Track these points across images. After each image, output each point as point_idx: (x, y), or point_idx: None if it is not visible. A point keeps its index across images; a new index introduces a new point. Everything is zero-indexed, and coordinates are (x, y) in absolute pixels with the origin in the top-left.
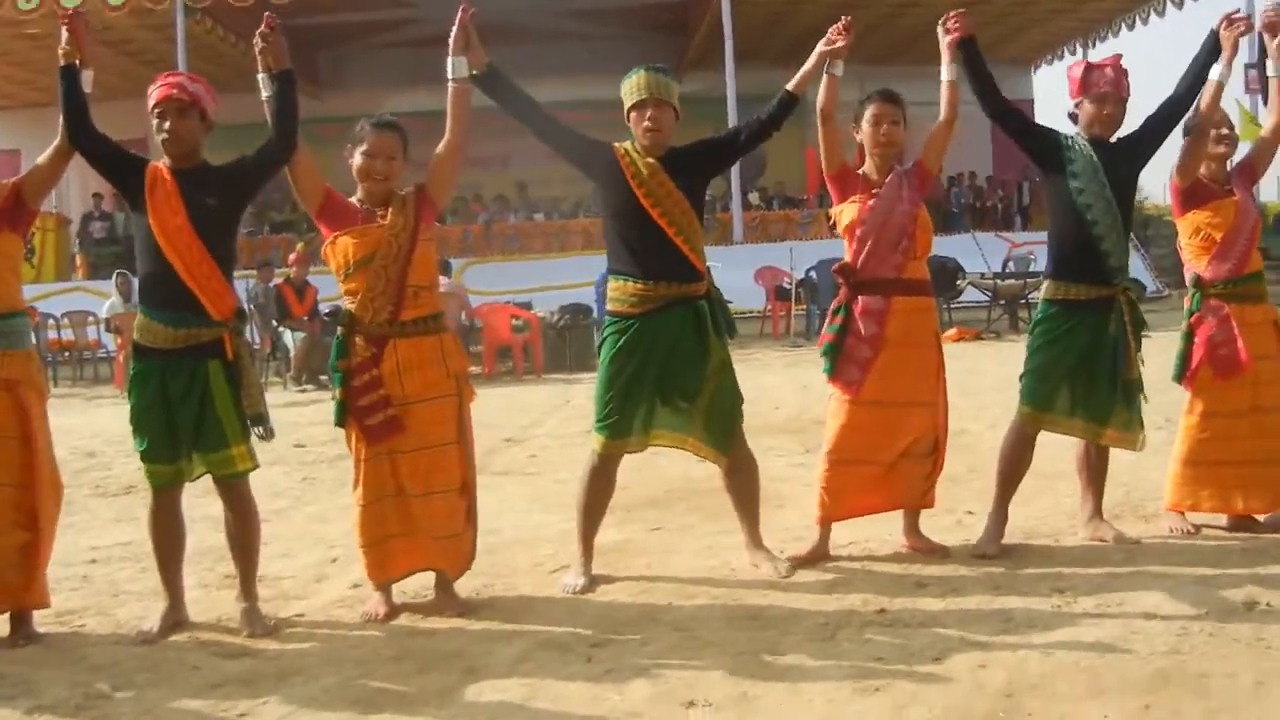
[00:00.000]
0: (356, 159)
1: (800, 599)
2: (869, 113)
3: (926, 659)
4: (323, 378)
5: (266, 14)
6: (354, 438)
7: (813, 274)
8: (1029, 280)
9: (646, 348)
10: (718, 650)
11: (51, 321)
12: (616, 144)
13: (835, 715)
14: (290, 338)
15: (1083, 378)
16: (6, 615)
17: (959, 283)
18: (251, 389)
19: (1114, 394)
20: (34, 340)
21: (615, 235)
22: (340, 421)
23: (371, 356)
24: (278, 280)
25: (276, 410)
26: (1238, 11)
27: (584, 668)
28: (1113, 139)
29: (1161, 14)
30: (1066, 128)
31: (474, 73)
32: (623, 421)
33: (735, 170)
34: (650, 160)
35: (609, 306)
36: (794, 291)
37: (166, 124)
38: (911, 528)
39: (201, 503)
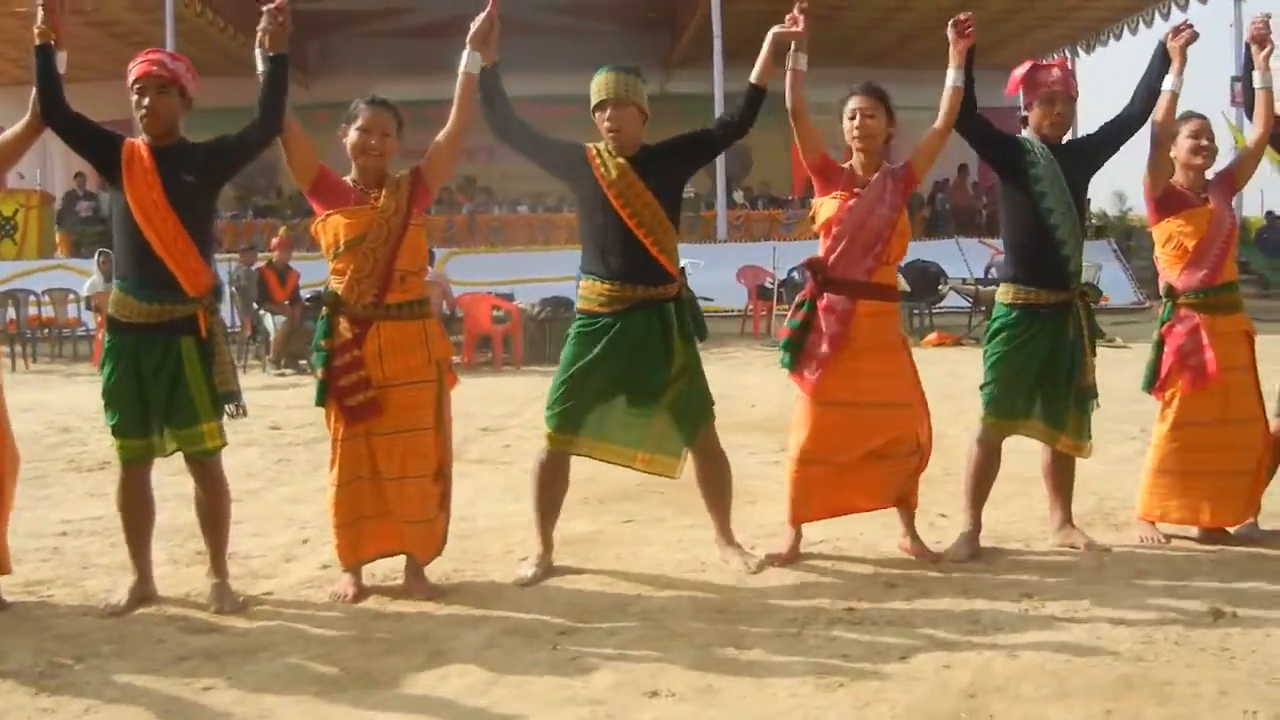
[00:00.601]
0: (351, 135)
1: (769, 595)
2: (847, 107)
3: (892, 658)
4: (301, 362)
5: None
6: (333, 418)
7: (795, 274)
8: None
9: (610, 347)
10: (684, 642)
11: (32, 298)
12: (589, 144)
13: (798, 710)
14: (271, 321)
15: (1044, 384)
16: None
17: (940, 287)
18: (224, 366)
19: (1068, 400)
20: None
21: (586, 234)
22: (321, 401)
23: (354, 337)
24: (260, 264)
25: (254, 393)
26: (1186, 24)
27: (549, 655)
28: (1063, 141)
29: (1150, 24)
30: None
31: (484, 66)
32: (573, 414)
33: (720, 168)
34: (620, 160)
35: (579, 305)
36: (776, 291)
37: (146, 100)
38: (907, 530)
39: (174, 480)
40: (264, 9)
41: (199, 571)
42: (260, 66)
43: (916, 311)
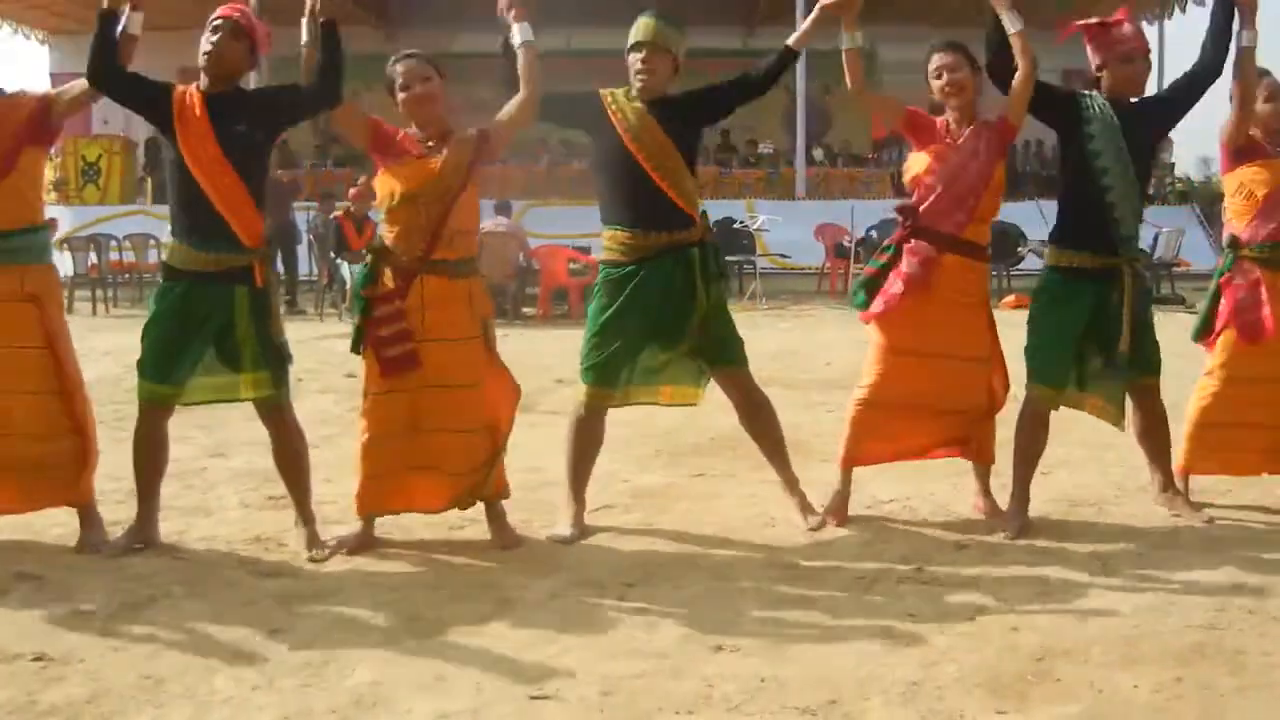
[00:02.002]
0: (397, 97)
1: (838, 552)
2: (930, 67)
3: (960, 618)
4: None
5: None
6: (368, 368)
7: (873, 233)
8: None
9: (635, 294)
10: (751, 597)
11: (114, 243)
12: (603, 91)
13: (864, 666)
14: (347, 270)
15: (1086, 349)
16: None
17: (1020, 249)
18: (276, 317)
19: (1107, 366)
20: (53, 253)
21: (604, 184)
22: (356, 348)
23: (397, 288)
24: (338, 213)
25: (331, 340)
26: None
27: (616, 607)
28: (1133, 100)
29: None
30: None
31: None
32: (608, 368)
33: (800, 124)
34: (638, 105)
35: (602, 255)
36: (853, 250)
37: (215, 38)
38: (981, 488)
39: (249, 426)
40: None
41: (270, 516)
42: (305, 36)
43: (995, 273)
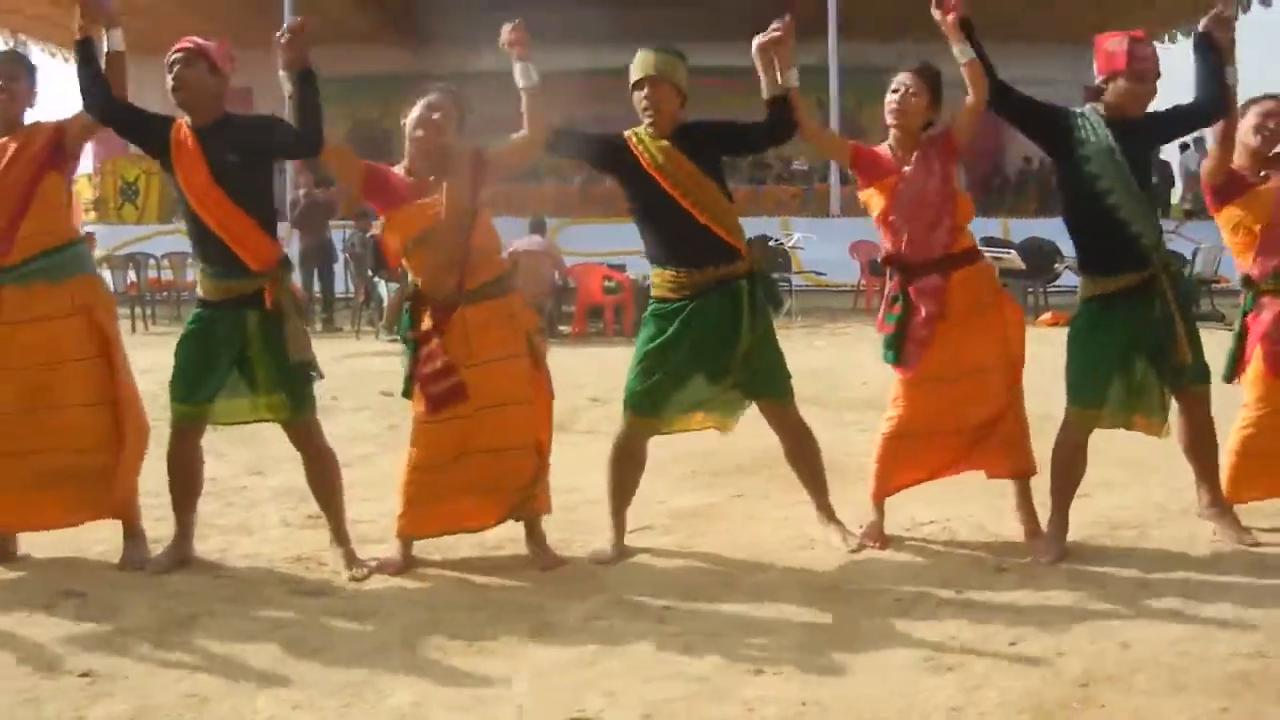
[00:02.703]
0: (413, 111)
1: (876, 575)
2: (892, 81)
3: (1001, 643)
4: None
5: (300, 18)
6: (418, 402)
7: None
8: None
9: (683, 328)
10: (790, 620)
11: (152, 261)
12: (627, 133)
13: (905, 692)
14: (384, 288)
15: (1128, 368)
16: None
17: (1056, 266)
18: (297, 336)
19: (1154, 379)
20: (95, 265)
21: (646, 226)
22: (408, 394)
23: (435, 326)
24: (375, 231)
25: (366, 359)
26: (1218, 9)
27: (655, 629)
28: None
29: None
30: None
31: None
32: (653, 397)
33: None
34: (663, 143)
35: (653, 293)
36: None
37: (173, 74)
38: (1020, 504)
39: (286, 445)
40: (284, 28)
41: (311, 535)
42: (287, 89)
43: (1031, 290)
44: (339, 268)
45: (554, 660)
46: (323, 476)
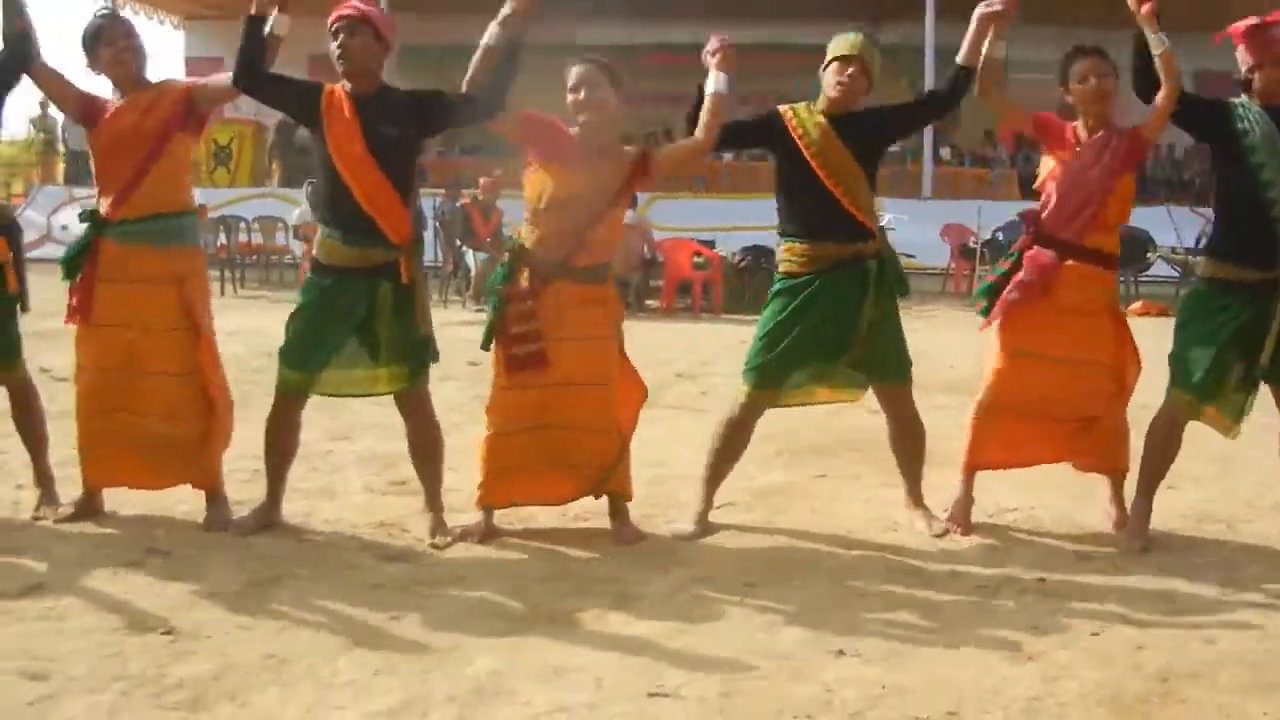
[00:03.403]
0: (568, 96)
1: (959, 560)
2: (1076, 69)
3: (1083, 633)
4: None
5: None
6: (496, 364)
7: (1000, 235)
8: None
9: (808, 303)
10: (873, 602)
11: (243, 225)
12: (783, 108)
13: (985, 678)
14: (472, 258)
15: (1230, 360)
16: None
17: (1148, 255)
18: (424, 313)
19: (1244, 379)
20: (201, 238)
21: (785, 197)
22: (487, 344)
23: (531, 289)
24: (465, 200)
25: (454, 328)
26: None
27: (738, 606)
28: None
29: None
30: None
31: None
32: (772, 373)
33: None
34: (820, 120)
35: (781, 268)
36: (979, 251)
37: (337, 41)
38: (1113, 497)
39: (370, 410)
40: None
41: (394, 501)
42: (491, 40)
43: (1123, 279)
44: (427, 236)
45: (634, 634)
46: (429, 445)
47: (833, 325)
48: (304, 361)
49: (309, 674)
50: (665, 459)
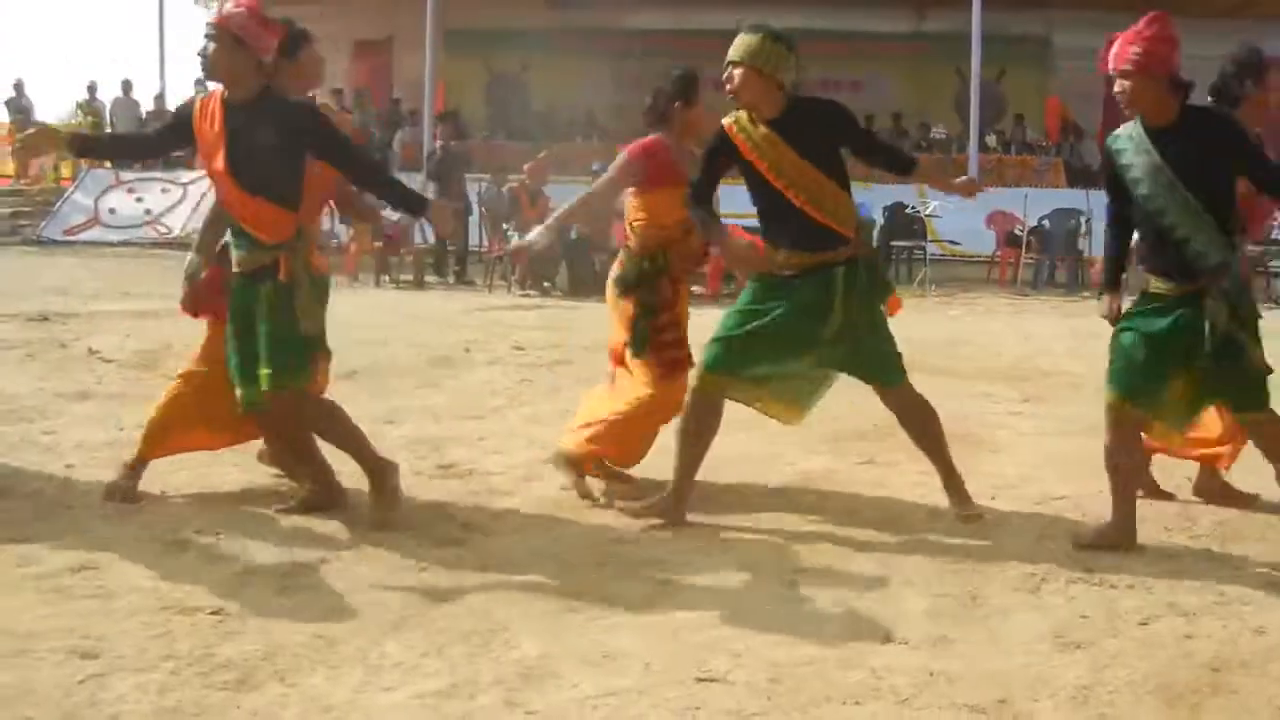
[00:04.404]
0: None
1: (1006, 548)
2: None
3: (1132, 622)
4: (546, 283)
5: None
6: (648, 368)
7: (1045, 223)
8: (1270, 248)
9: (781, 297)
10: (919, 590)
11: None
12: (726, 122)
13: (1033, 667)
14: (518, 240)
15: (1169, 365)
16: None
17: None
18: (305, 310)
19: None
20: None
21: (755, 204)
22: (640, 349)
23: (674, 296)
24: (513, 184)
25: (499, 312)
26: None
27: (783, 592)
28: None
29: None
30: None
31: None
32: (728, 360)
33: (974, 110)
34: (764, 130)
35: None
36: (1025, 239)
37: (203, 47)
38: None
39: (421, 394)
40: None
41: (441, 484)
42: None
43: None
44: (473, 220)
45: (681, 620)
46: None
47: (798, 324)
48: (237, 377)
49: (357, 655)
50: (717, 440)
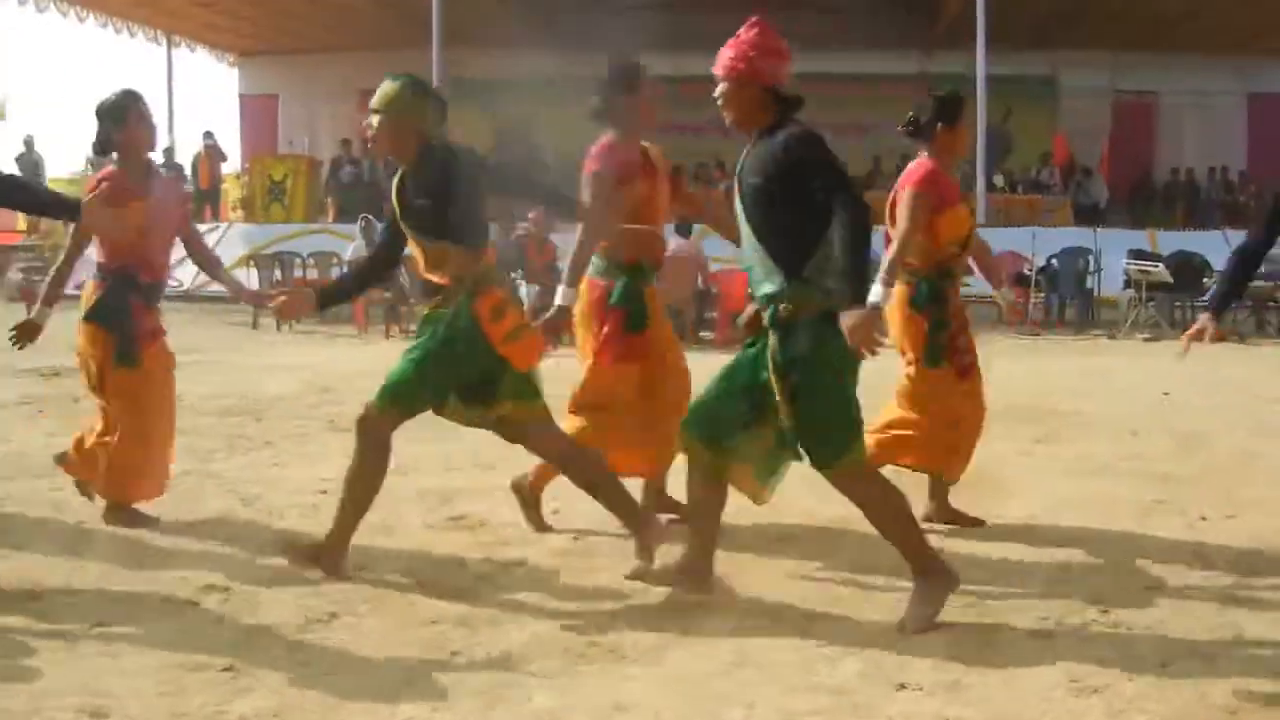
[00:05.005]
0: None
1: (1021, 591)
2: None
3: (1149, 665)
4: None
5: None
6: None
7: (1054, 262)
8: None
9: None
10: (933, 635)
11: (298, 260)
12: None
13: (1049, 713)
14: (525, 290)
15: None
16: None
17: (1205, 280)
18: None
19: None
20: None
21: None
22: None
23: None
24: (520, 233)
25: None
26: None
27: (798, 640)
28: None
29: None
30: None
31: None
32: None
33: (980, 150)
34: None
35: None
36: (1034, 279)
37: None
38: None
39: (433, 446)
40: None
41: (452, 537)
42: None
43: (1179, 304)
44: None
45: (693, 668)
46: None
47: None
48: None
49: (369, 712)
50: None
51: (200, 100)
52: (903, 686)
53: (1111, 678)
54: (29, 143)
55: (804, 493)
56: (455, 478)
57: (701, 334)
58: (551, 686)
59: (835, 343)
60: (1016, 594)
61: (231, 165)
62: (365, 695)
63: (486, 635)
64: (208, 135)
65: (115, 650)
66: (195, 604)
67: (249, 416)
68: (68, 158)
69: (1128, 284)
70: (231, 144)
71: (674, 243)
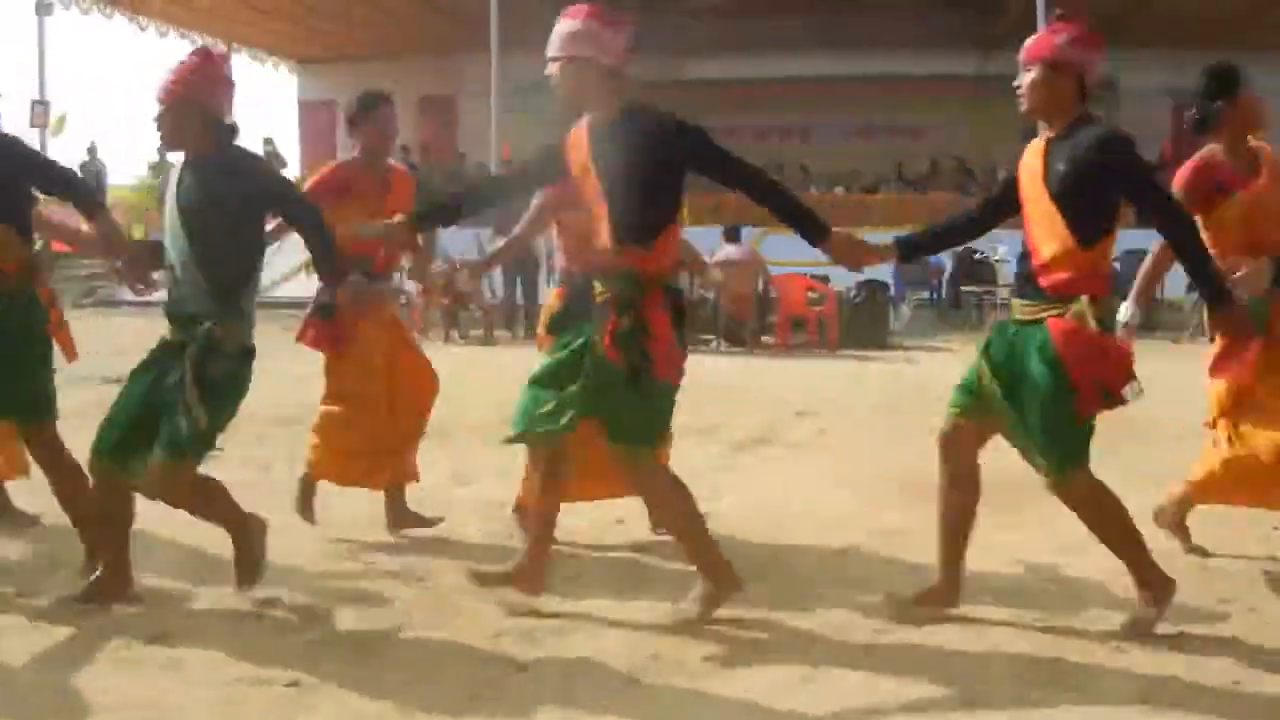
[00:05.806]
0: None
1: (1090, 607)
2: None
3: (1222, 684)
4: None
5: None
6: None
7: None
8: None
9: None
10: (1003, 652)
11: None
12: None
13: None
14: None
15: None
16: None
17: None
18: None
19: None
20: None
21: None
22: None
23: None
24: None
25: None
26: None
27: (864, 656)
28: None
29: None
30: None
31: None
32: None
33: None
34: None
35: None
36: None
37: None
38: None
39: (492, 453)
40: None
41: (511, 548)
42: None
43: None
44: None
45: (760, 684)
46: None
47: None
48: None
49: None
50: (786, 498)
51: (260, 107)
52: (973, 705)
53: (1184, 696)
54: (92, 150)
55: (861, 504)
56: (516, 487)
57: (763, 339)
58: (618, 702)
59: None
60: (1087, 610)
61: (291, 171)
62: (431, 710)
63: (551, 648)
64: (268, 142)
65: (177, 664)
66: (258, 616)
67: (307, 426)
68: (128, 166)
69: (1191, 286)
70: (291, 150)
71: (731, 249)
